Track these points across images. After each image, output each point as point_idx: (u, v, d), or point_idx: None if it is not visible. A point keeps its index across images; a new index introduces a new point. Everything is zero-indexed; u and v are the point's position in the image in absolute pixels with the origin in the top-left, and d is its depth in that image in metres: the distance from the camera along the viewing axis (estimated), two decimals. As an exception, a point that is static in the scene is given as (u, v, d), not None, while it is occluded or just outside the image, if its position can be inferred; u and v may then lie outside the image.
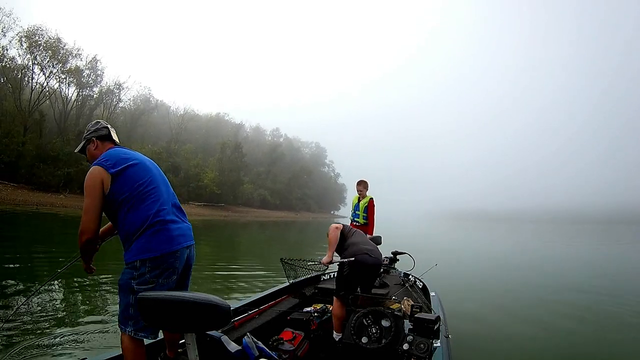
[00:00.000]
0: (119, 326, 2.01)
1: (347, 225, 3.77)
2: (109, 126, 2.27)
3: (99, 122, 2.28)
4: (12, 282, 6.26)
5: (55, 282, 6.45)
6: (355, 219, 6.26)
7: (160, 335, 2.39)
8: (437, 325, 2.71)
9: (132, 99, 55.78)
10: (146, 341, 2.31)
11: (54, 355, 3.55)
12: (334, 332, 3.45)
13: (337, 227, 3.58)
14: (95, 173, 1.97)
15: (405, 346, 2.61)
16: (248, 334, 2.56)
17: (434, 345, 2.62)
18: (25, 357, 3.43)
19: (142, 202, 2.01)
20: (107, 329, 4.28)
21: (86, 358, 2.16)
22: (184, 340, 1.96)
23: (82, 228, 1.96)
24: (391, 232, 31.66)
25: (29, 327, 4.22)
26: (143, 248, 1.96)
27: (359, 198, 6.30)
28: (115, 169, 1.99)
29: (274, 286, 4.39)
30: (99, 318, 4.75)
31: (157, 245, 1.98)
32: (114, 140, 2.25)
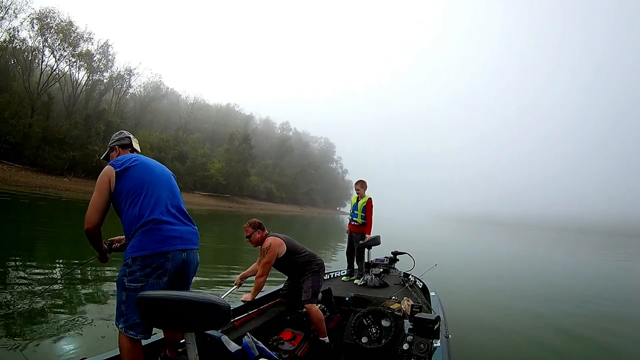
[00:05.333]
0: (115, 324, 2.03)
1: (282, 240, 3.65)
2: (131, 136, 2.46)
3: (123, 132, 2.47)
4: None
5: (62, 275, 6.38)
6: (354, 219, 6.15)
7: (159, 335, 2.43)
8: (437, 325, 2.74)
9: (142, 85, 55.59)
10: (145, 341, 2.34)
11: (53, 354, 3.49)
12: (321, 337, 3.45)
13: (268, 262, 3.51)
14: (105, 171, 2.13)
15: (405, 346, 2.63)
16: (248, 333, 2.53)
17: (434, 345, 2.64)
18: (24, 354, 3.37)
19: (138, 201, 2.07)
20: (109, 325, 4.21)
21: (86, 357, 2.15)
22: (184, 340, 1.93)
23: (86, 217, 2.06)
24: (393, 232, 31.71)
25: (30, 321, 4.12)
26: (135, 246, 2.01)
27: (357, 198, 6.21)
28: (121, 167, 2.12)
29: (274, 286, 4.31)
30: (104, 315, 4.60)
31: (148, 244, 2.00)
32: (135, 148, 2.43)
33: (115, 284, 2.18)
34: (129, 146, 2.41)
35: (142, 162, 2.21)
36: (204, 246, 12.10)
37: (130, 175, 2.11)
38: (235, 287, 3.76)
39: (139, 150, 2.44)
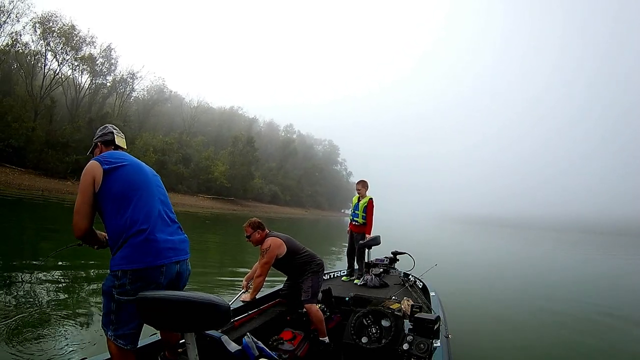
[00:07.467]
0: (102, 328, 1.89)
1: (281, 239, 3.63)
2: (114, 131, 2.19)
3: (107, 127, 2.22)
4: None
5: (58, 274, 6.32)
6: (355, 219, 6.15)
7: (157, 336, 2.37)
8: (437, 325, 2.74)
9: (145, 88, 55.71)
10: (145, 341, 2.30)
11: (52, 354, 3.42)
12: (321, 337, 3.47)
13: (267, 263, 3.49)
14: (89, 168, 1.89)
15: (405, 346, 2.63)
16: (248, 333, 2.52)
17: (434, 345, 2.64)
18: (21, 355, 3.31)
19: (129, 205, 1.86)
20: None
21: (86, 358, 2.10)
22: (183, 340, 1.91)
23: (74, 225, 1.87)
24: (394, 232, 31.92)
25: (26, 323, 4.03)
26: (126, 258, 1.81)
27: (358, 198, 6.20)
28: (110, 165, 1.90)
29: (274, 286, 4.28)
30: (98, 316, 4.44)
31: (141, 257, 1.82)
32: (117, 145, 2.17)
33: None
34: (111, 143, 2.15)
35: (133, 162, 2.00)
36: (208, 249, 12.19)
37: (119, 176, 1.89)
38: (243, 290, 3.77)
39: (125, 148, 2.20)
